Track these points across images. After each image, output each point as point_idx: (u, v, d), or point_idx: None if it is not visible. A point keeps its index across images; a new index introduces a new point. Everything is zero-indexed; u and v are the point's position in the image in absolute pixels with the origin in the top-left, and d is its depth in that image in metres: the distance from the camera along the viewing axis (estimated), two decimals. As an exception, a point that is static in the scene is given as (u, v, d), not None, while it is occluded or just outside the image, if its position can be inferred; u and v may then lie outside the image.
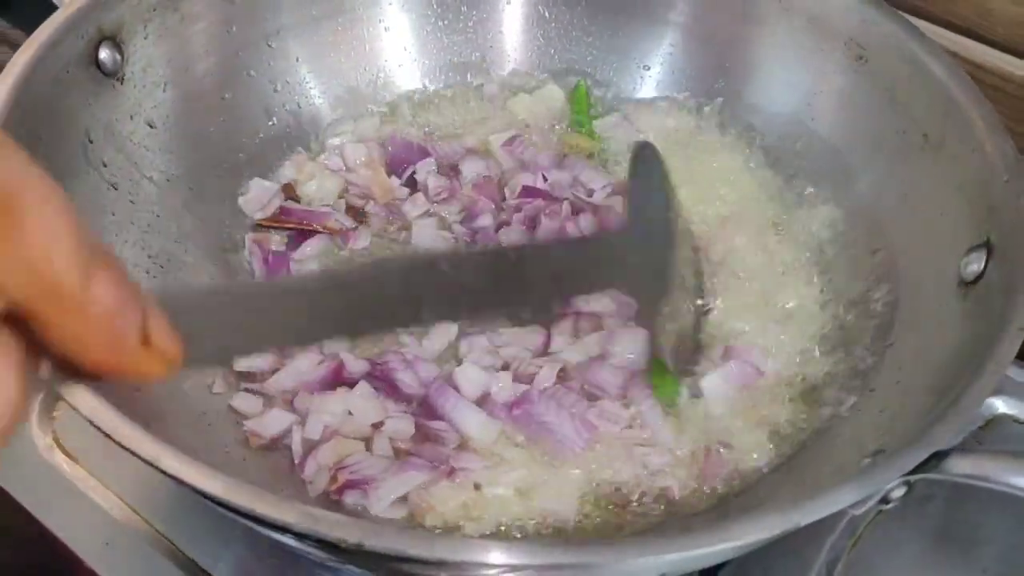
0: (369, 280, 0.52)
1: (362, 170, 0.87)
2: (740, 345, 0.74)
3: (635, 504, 0.67)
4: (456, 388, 0.70)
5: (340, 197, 0.85)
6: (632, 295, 0.72)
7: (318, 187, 0.85)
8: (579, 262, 0.65)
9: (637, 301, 0.71)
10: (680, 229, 0.73)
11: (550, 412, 0.68)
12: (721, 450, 0.69)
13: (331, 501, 0.65)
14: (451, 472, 0.65)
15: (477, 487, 0.65)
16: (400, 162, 0.88)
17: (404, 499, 0.65)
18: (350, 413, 0.69)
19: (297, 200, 0.84)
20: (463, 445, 0.68)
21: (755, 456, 0.69)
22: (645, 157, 0.73)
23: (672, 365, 0.71)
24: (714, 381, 0.72)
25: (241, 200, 0.83)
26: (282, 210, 0.83)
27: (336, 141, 0.89)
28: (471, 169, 0.87)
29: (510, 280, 0.59)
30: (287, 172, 0.87)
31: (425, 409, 0.70)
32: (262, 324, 0.45)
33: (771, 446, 0.70)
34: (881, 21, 0.78)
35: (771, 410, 0.72)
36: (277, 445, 0.69)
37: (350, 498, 0.65)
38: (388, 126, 0.91)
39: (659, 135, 0.88)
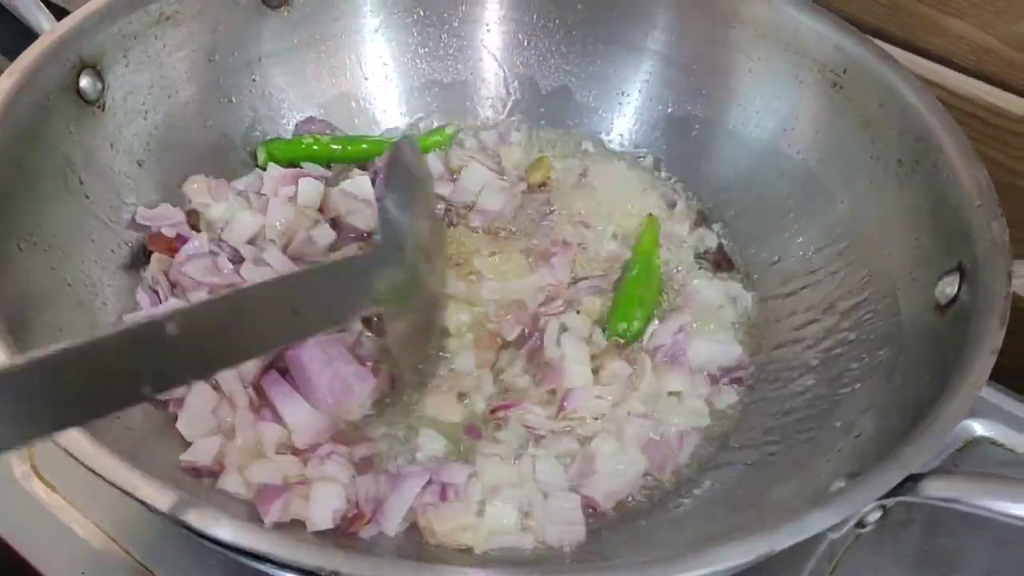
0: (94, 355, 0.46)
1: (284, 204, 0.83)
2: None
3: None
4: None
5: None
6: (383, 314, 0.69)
7: (227, 215, 0.81)
8: (320, 292, 0.61)
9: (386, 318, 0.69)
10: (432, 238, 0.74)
11: None
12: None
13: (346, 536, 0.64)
14: (444, 489, 0.66)
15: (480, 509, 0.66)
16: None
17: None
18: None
19: (197, 228, 0.80)
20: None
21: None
22: (399, 162, 0.71)
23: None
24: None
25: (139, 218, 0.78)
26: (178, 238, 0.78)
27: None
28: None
29: (244, 325, 0.55)
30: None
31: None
32: None
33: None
34: (855, 48, 0.80)
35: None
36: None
37: (366, 533, 0.64)
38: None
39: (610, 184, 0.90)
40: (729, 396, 0.76)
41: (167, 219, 0.78)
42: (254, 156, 0.88)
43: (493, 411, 0.73)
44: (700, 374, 0.77)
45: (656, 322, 0.79)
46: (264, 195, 0.84)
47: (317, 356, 0.70)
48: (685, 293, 0.83)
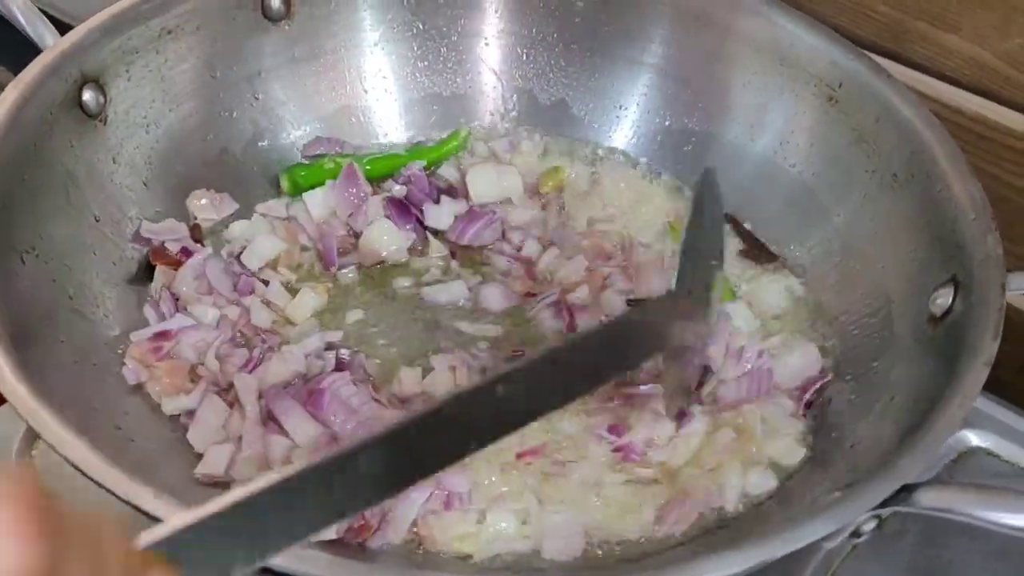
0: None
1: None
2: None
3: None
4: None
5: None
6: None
7: (248, 235, 0.83)
8: (622, 342, 0.59)
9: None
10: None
11: None
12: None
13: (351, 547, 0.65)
14: (448, 498, 0.66)
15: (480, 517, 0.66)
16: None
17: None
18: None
19: (200, 242, 0.81)
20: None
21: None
22: (707, 190, 0.66)
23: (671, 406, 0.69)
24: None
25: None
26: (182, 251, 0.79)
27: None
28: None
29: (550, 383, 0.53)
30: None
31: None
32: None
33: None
34: (850, 63, 0.80)
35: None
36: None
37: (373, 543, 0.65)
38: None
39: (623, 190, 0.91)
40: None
41: (172, 233, 0.79)
42: (258, 171, 0.88)
43: (520, 456, 0.70)
44: (786, 398, 0.73)
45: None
46: (286, 220, 0.85)
47: (340, 408, 0.70)
48: (746, 299, 0.80)
